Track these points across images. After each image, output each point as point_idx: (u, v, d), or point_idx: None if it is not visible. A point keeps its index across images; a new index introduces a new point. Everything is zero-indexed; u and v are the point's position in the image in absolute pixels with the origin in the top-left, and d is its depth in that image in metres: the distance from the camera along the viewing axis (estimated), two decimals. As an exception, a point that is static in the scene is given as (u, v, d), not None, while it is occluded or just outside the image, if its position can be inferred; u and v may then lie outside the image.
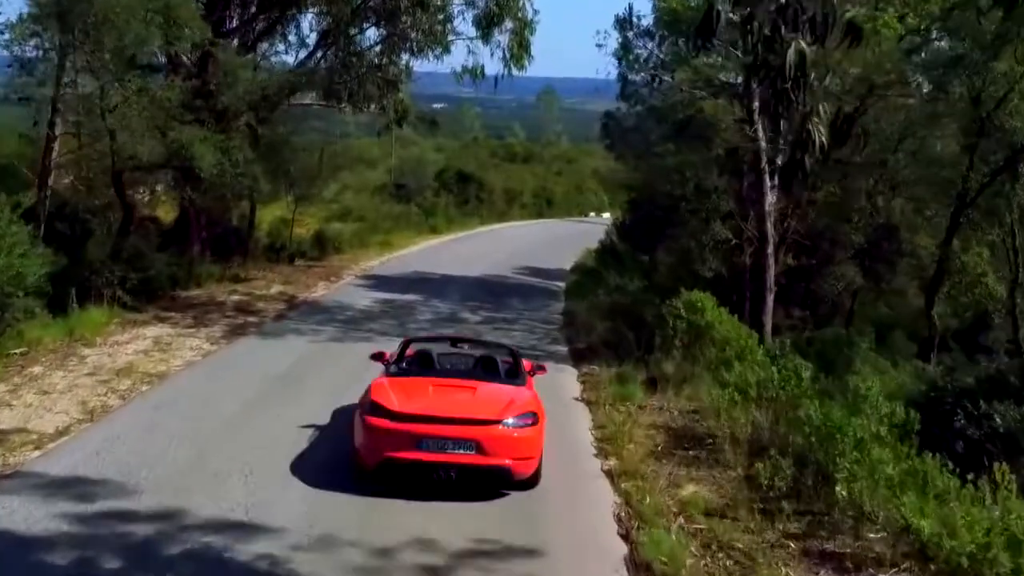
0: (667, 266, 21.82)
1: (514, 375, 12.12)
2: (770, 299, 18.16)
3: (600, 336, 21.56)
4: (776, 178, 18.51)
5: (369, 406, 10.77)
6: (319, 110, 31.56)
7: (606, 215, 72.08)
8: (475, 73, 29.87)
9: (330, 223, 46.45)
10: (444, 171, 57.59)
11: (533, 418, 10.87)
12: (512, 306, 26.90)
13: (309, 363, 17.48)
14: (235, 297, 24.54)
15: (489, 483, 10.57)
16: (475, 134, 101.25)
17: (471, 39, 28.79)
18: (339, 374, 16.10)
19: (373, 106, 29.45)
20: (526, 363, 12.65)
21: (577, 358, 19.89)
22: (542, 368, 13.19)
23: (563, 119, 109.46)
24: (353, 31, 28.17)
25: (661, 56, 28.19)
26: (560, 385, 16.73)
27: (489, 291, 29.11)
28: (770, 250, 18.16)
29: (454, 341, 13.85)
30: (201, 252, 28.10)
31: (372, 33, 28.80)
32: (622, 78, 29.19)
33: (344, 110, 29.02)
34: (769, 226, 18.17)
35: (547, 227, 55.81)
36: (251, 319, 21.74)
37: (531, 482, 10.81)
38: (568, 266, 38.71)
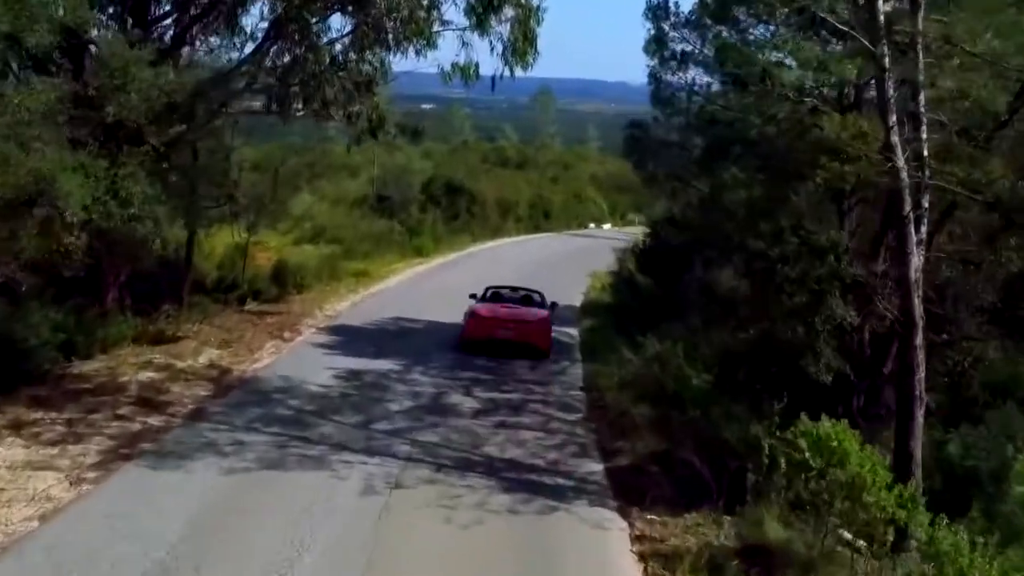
0: (740, 350, 15.15)
1: (541, 304, 24.41)
2: (920, 415, 11.58)
3: (646, 441, 15.05)
4: (922, 229, 11.92)
5: (471, 313, 23.01)
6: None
7: (607, 226, 65.61)
8: (467, 72, 22.89)
9: (300, 245, 39.84)
10: (431, 182, 50.82)
11: (547, 323, 23.10)
12: (517, 374, 20.27)
13: (207, 541, 10.78)
14: (147, 374, 17.80)
15: (523, 351, 22.05)
16: (465, 137, 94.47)
17: (462, 30, 22.03)
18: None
19: (339, 113, 22.76)
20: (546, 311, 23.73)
21: (620, 488, 13.31)
22: (555, 304, 24.99)
23: (556, 120, 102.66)
24: (311, 18, 21.41)
25: (704, 51, 21.65)
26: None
27: (485, 351, 22.55)
28: (919, 340, 11.56)
29: (512, 288, 25.49)
30: (119, 301, 21.46)
31: (337, 21, 21.99)
32: (654, 79, 22.66)
33: (294, 117, 22.22)
34: (916, 302, 11.58)
35: (546, 244, 49.21)
36: (154, 420, 14.96)
37: (545, 353, 22.41)
38: (577, 299, 32.13)
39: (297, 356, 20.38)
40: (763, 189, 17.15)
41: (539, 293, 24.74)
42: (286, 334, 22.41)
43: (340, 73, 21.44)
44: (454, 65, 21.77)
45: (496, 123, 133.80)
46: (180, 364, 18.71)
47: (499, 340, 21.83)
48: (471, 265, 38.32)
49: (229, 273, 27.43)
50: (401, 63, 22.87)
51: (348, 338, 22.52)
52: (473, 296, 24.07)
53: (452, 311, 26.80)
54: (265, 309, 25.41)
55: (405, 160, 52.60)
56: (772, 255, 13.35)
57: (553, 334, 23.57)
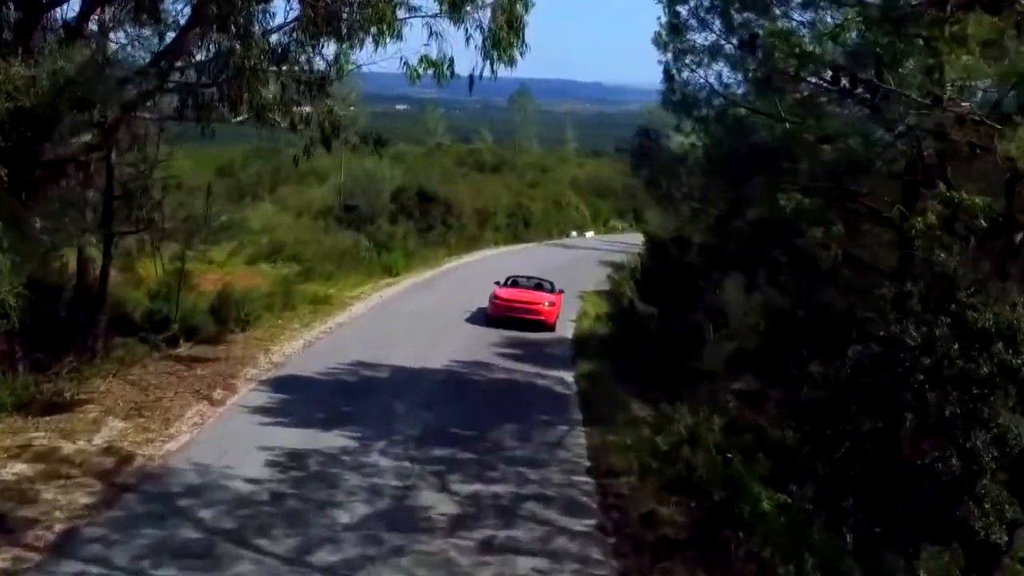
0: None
1: (551, 289, 29.00)
2: None
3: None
4: None
5: (493, 296, 27.60)
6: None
7: (590, 234, 61.24)
8: (440, 70, 18.28)
9: (256, 264, 35.23)
10: (402, 190, 46.16)
11: (554, 305, 27.75)
12: (503, 453, 15.70)
13: None
14: (15, 467, 13.15)
15: (534, 326, 26.76)
16: (439, 139, 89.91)
17: (432, 16, 17.51)
18: None
19: (281, 119, 18.25)
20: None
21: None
22: (562, 291, 29.53)
23: (532, 122, 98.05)
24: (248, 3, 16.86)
25: (732, 42, 17.27)
26: None
27: (464, 411, 18.03)
28: None
29: (527, 277, 29.94)
30: (9, 353, 16.95)
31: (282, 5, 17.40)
32: (667, 76, 18.27)
33: (227, 123, 17.64)
34: None
35: (528, 257, 44.73)
36: (-2, 558, 10.55)
37: (551, 328, 27.08)
38: (567, 328, 27.79)
39: (225, 429, 15.75)
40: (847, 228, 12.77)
41: (549, 282, 29.68)
42: (217, 393, 17.80)
43: (281, 68, 17.03)
44: (423, 59, 17.24)
45: (472, 124, 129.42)
46: (68, 448, 14.12)
47: (516, 318, 27.04)
48: (446, 286, 33.82)
49: (165, 305, 22.78)
50: (361, 58, 18.34)
51: (294, 397, 17.99)
52: (497, 283, 29.04)
53: (425, 350, 22.43)
54: (199, 354, 20.81)
55: (373, 166, 48.06)
56: (891, 335, 8.97)
57: (547, 379, 21.17)
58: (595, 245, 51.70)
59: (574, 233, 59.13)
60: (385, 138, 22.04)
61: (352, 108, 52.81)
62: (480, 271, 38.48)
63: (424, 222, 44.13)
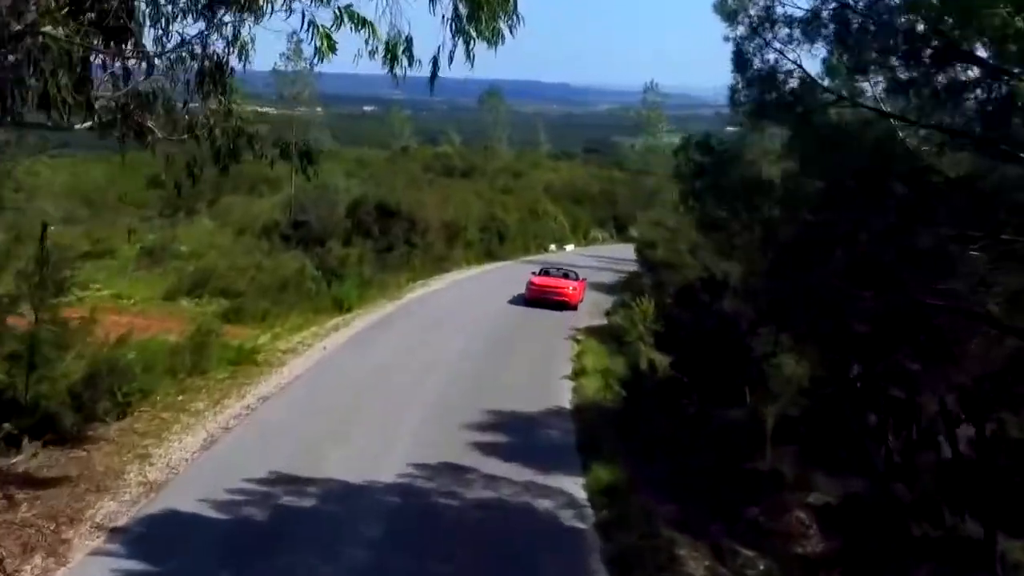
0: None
1: (575, 278, 33.97)
2: None
3: None
4: None
5: (529, 283, 33.20)
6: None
7: (570, 247, 54.49)
8: (394, 53, 11.25)
9: (175, 300, 28.24)
10: (359, 203, 39.10)
11: (577, 290, 33.06)
12: None
13: None
14: None
15: (561, 306, 31.76)
16: (405, 142, 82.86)
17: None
18: None
19: (166, 127, 11.36)
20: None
21: None
22: (584, 279, 34.56)
23: (504, 123, 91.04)
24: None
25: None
26: None
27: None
28: None
29: (556, 268, 35.23)
30: None
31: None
32: (739, 62, 11.65)
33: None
34: None
35: (506, 280, 37.99)
36: None
37: (575, 307, 32.15)
38: (564, 391, 21.06)
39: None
40: None
41: (574, 272, 34.88)
42: (34, 565, 10.94)
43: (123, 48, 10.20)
44: (370, 46, 10.35)
45: (439, 126, 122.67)
46: None
47: (548, 299, 32.24)
48: (407, 329, 26.84)
49: (41, 371, 15.68)
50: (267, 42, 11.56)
51: (158, 569, 11.14)
52: (534, 272, 34.43)
53: (374, 448, 15.69)
54: (43, 466, 13.92)
55: (327, 176, 41.07)
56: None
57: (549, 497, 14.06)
58: (577, 260, 45.20)
59: (553, 247, 52.46)
60: (317, 149, 15.10)
61: (303, 109, 45.92)
62: (449, 303, 31.65)
63: (384, 240, 37.18)
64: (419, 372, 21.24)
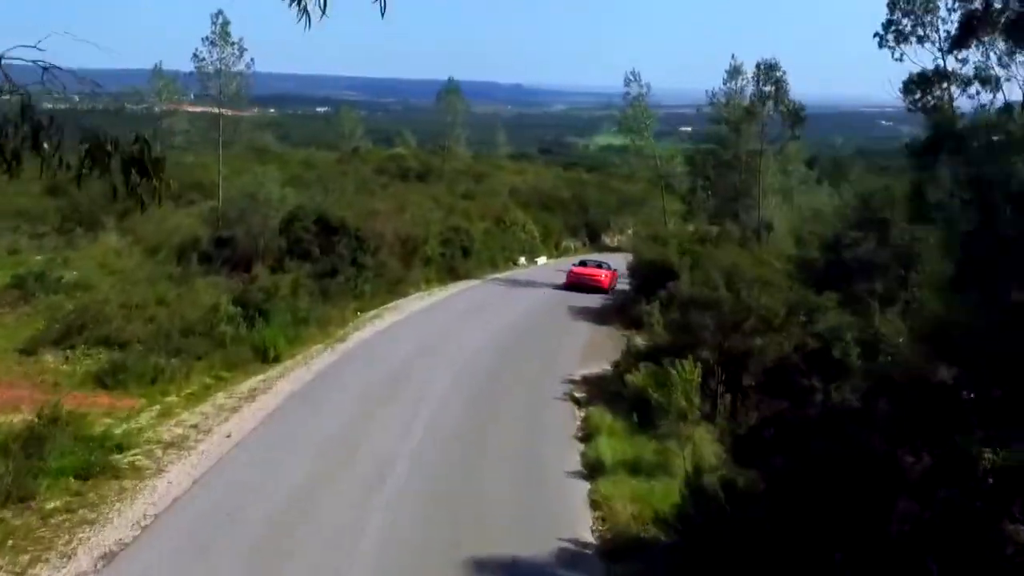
0: None
1: (608, 267, 38.27)
2: None
3: None
4: None
5: (568, 271, 37.74)
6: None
7: (542, 260, 47.39)
8: None
9: (37, 354, 20.73)
10: (295, 216, 31.50)
11: (610, 276, 37.51)
12: None
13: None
14: None
15: (596, 290, 35.83)
16: (357, 143, 75.14)
17: None
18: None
19: None
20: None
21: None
22: (616, 269, 37.92)
23: (463, 123, 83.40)
24: None
25: None
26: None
27: None
28: None
29: (592, 260, 40.03)
30: None
31: None
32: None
33: None
34: None
35: (474, 308, 30.88)
36: None
37: (607, 291, 36.21)
38: (584, 522, 13.78)
39: None
40: None
41: (606, 263, 39.57)
42: None
43: None
44: None
45: (394, 126, 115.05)
46: None
47: (583, 284, 36.23)
48: (349, 396, 19.40)
49: None
50: None
51: None
52: (574, 264, 39.33)
53: None
54: None
55: (257, 181, 33.63)
56: None
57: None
58: (553, 277, 38.22)
59: (523, 260, 45.31)
60: (160, 156, 7.60)
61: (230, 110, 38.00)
62: (407, 347, 24.27)
63: (326, 262, 29.68)
64: (362, 490, 13.89)
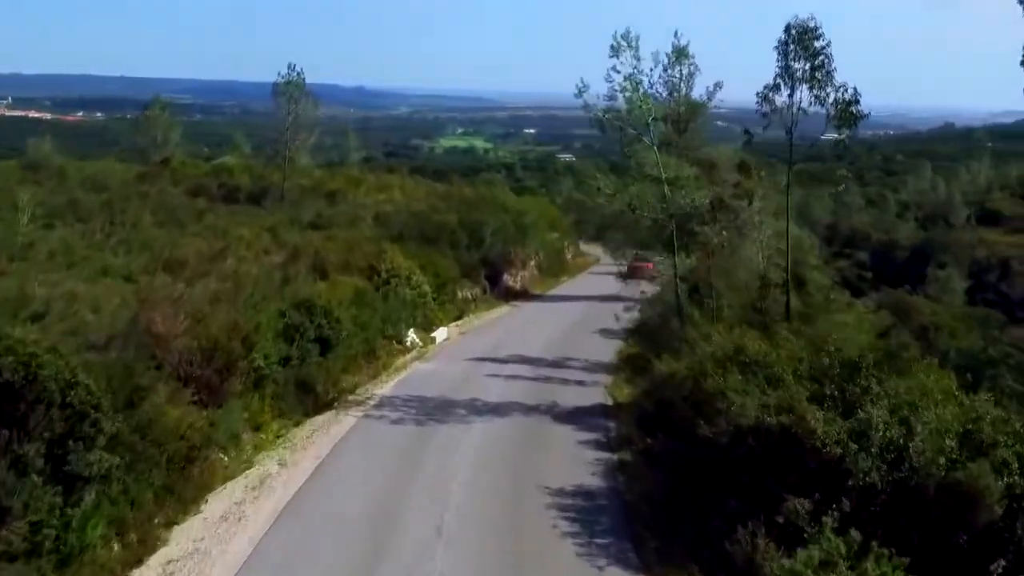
0: None
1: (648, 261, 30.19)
2: None
3: None
4: None
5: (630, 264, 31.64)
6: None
7: (442, 332, 29.63)
8: None
9: None
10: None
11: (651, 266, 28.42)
12: None
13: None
14: None
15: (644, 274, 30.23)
16: (170, 151, 54.71)
17: None
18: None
19: None
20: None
21: None
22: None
23: (306, 123, 63.05)
24: None
25: None
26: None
27: None
28: None
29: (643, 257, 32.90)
30: None
31: None
32: None
33: None
34: None
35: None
36: None
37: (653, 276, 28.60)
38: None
39: None
40: None
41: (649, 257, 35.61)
42: None
43: None
44: None
45: (230, 129, 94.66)
46: None
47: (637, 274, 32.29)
48: None
49: None
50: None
51: None
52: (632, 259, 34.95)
53: None
54: None
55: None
56: None
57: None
58: (470, 372, 20.88)
59: (411, 336, 27.33)
60: None
61: None
62: None
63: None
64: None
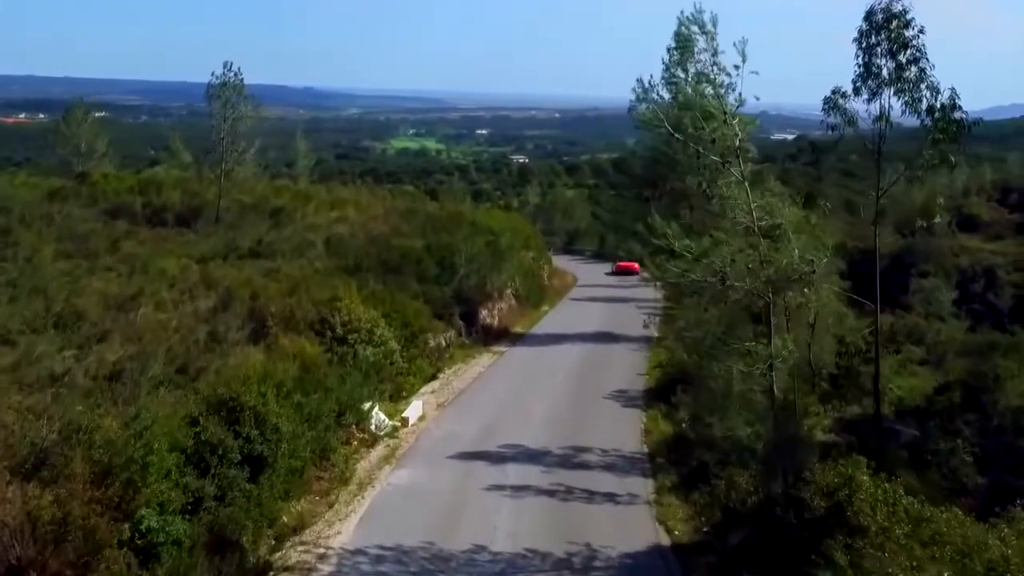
0: None
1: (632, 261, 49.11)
2: None
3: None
4: None
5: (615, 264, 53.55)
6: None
7: (415, 409, 22.71)
8: None
9: None
10: None
11: (635, 267, 46.32)
12: None
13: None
14: None
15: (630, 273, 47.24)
16: (95, 161, 46.73)
17: None
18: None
19: None
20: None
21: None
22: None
23: (247, 129, 54.88)
24: None
25: None
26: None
27: None
28: None
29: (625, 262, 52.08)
30: None
31: None
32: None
33: None
34: None
35: None
36: None
37: (637, 273, 42.78)
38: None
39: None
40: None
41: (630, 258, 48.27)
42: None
43: None
44: None
45: (175, 132, 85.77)
46: None
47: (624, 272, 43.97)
48: None
49: None
50: None
51: None
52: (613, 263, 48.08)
53: None
54: None
55: None
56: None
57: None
58: (461, 486, 14.18)
59: (378, 416, 20.33)
60: None
61: None
62: None
63: None
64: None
